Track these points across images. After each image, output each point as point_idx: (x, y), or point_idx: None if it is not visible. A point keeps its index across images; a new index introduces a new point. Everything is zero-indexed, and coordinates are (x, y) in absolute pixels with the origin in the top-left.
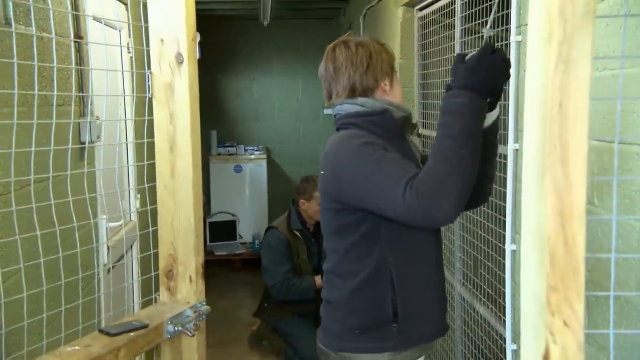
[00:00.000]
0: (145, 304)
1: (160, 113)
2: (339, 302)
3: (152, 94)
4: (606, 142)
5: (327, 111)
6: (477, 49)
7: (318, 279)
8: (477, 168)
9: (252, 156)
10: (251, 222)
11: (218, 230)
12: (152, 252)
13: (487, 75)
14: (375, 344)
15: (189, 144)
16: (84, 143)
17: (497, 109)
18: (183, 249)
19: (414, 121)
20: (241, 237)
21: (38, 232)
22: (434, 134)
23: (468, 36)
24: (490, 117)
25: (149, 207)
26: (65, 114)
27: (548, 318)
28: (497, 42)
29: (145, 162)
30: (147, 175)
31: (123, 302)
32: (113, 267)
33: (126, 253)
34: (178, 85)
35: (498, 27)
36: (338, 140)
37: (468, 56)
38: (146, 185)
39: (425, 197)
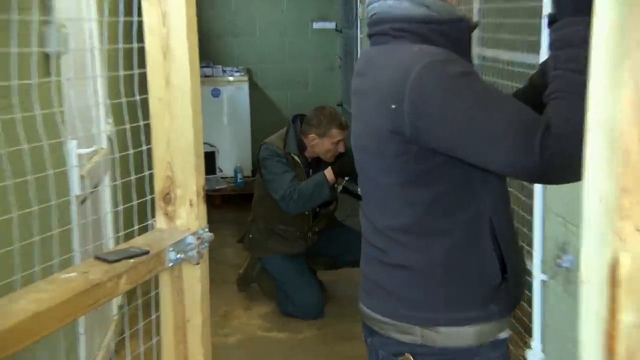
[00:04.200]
0: (139, 232)
1: (151, 14)
2: (427, 267)
3: None
4: None
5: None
6: None
7: (329, 173)
8: None
9: (232, 78)
10: (232, 154)
11: None
12: (147, 173)
13: None
14: (482, 312)
15: (186, 48)
16: (48, 55)
17: None
18: (182, 170)
19: None
20: (221, 170)
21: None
22: None
23: None
24: None
25: (127, 126)
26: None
27: (618, 223)
28: None
29: (122, 72)
30: (124, 90)
31: (102, 234)
32: (92, 193)
33: (100, 183)
34: None
35: None
36: (422, 63)
37: None
38: (123, 100)
39: (567, 156)
